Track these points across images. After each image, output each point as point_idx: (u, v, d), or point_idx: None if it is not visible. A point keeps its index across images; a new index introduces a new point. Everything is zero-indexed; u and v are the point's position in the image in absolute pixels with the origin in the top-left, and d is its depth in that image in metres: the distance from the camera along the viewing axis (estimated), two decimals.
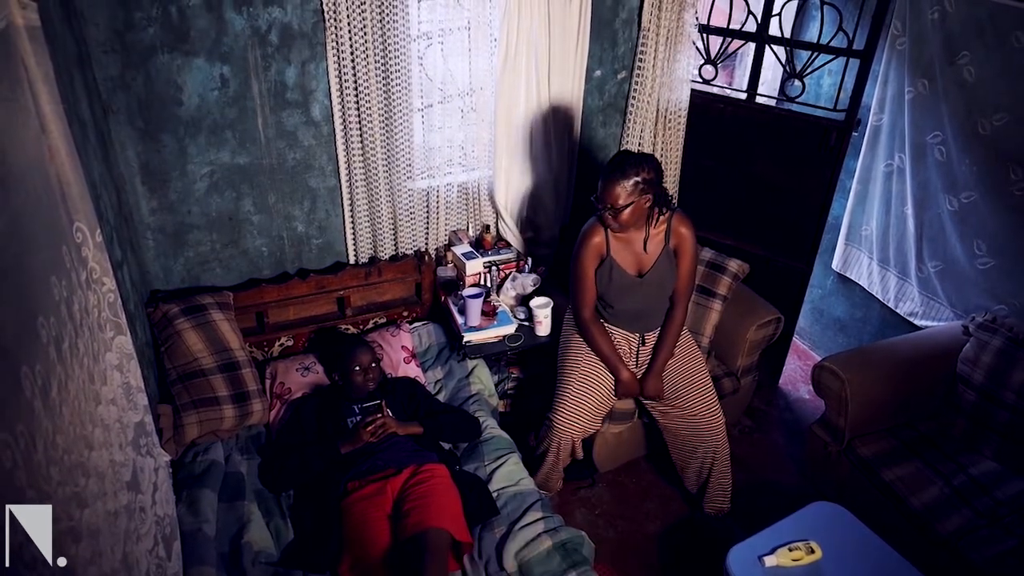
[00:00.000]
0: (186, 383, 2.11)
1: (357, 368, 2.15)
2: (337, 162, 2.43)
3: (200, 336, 2.16)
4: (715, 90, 2.92)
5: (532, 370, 2.71)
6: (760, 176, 2.92)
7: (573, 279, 2.16)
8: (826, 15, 2.56)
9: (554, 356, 2.39)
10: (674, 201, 2.50)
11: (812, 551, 1.83)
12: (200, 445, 2.10)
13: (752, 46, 2.80)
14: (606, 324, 2.25)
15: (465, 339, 2.46)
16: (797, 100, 2.72)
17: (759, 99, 2.90)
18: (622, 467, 2.63)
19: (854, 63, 2.53)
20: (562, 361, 2.30)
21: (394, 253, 2.68)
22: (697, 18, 2.69)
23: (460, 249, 2.70)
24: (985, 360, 2.24)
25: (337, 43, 2.21)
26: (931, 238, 2.60)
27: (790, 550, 1.83)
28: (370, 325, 2.67)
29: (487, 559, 1.84)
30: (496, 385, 2.54)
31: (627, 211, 1.96)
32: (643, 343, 2.27)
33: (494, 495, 2.01)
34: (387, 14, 2.22)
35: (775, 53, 2.76)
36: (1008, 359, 2.19)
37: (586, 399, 2.19)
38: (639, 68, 2.73)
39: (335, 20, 2.17)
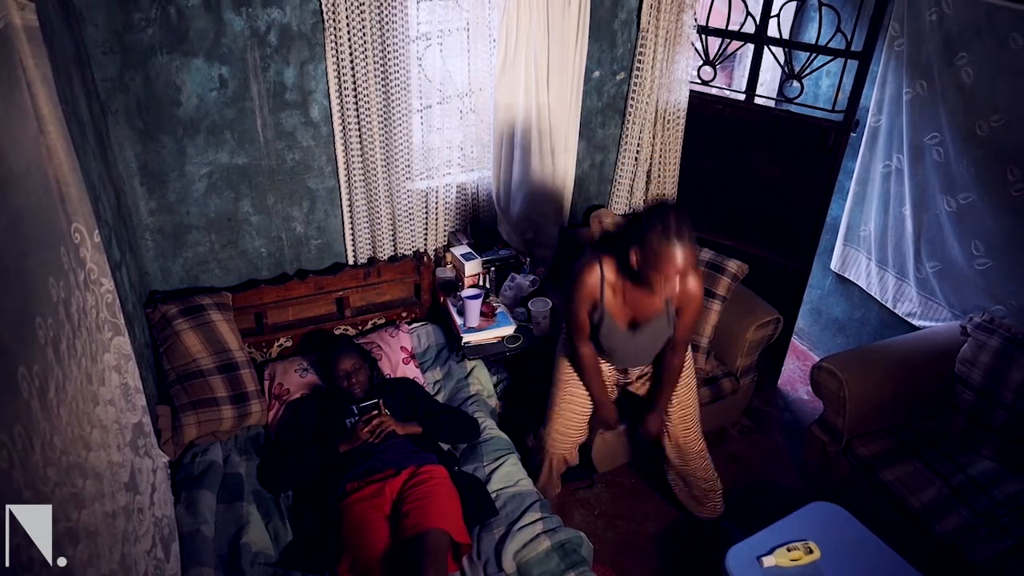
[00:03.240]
0: (185, 384, 2.11)
1: (339, 375, 2.15)
2: (336, 163, 2.43)
3: (199, 337, 2.16)
4: (714, 91, 2.92)
5: (530, 370, 2.70)
6: (759, 177, 2.93)
7: (567, 314, 2.01)
8: (824, 16, 2.56)
9: (552, 356, 2.37)
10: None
11: (811, 551, 1.83)
12: (199, 446, 2.10)
13: (751, 47, 2.80)
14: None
15: (464, 340, 2.46)
16: (795, 101, 2.72)
17: (758, 100, 2.91)
18: (621, 468, 2.63)
19: (852, 64, 2.53)
20: (555, 375, 2.21)
21: (393, 254, 2.68)
22: (696, 19, 2.69)
23: (459, 250, 2.70)
24: (983, 360, 2.24)
25: (336, 44, 2.21)
26: (929, 239, 2.61)
27: (788, 550, 1.83)
28: (369, 326, 2.66)
29: (486, 560, 1.84)
30: (495, 386, 2.54)
31: None
32: (625, 373, 2.19)
33: (493, 496, 2.01)
34: (386, 15, 2.22)
35: (773, 54, 2.76)
36: (1006, 359, 2.19)
37: (575, 418, 2.18)
38: (638, 69, 2.74)
39: (334, 21, 2.17)
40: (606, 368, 2.16)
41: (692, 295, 1.88)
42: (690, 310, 1.92)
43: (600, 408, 2.14)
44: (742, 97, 2.94)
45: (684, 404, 2.16)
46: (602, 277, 1.87)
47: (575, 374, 2.16)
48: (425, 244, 2.76)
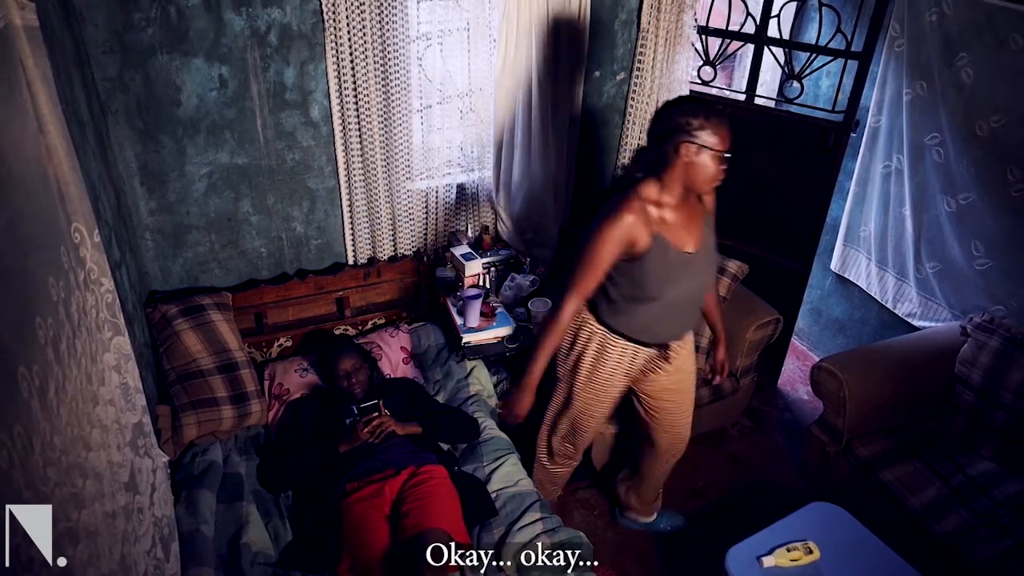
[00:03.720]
0: (185, 384, 2.11)
1: (339, 375, 2.15)
2: (336, 163, 2.43)
3: (199, 337, 2.16)
4: (714, 91, 2.92)
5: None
6: (759, 177, 2.92)
7: (585, 262, 1.71)
8: (824, 16, 2.56)
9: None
10: None
11: (810, 551, 1.83)
12: (199, 446, 2.10)
13: (751, 47, 2.80)
14: (621, 339, 1.86)
15: (464, 340, 2.46)
16: (796, 101, 2.72)
17: (758, 100, 2.91)
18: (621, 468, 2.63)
19: (852, 64, 2.53)
20: (574, 375, 1.96)
21: (393, 254, 2.68)
22: (696, 19, 2.69)
23: (459, 250, 2.70)
24: (983, 360, 2.24)
25: (336, 44, 2.21)
26: (929, 239, 2.61)
27: (788, 550, 1.83)
28: (369, 326, 2.66)
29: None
30: (495, 386, 2.54)
31: None
32: (666, 358, 1.92)
33: (493, 496, 2.01)
34: (386, 15, 2.22)
35: (774, 55, 2.76)
36: (1006, 359, 2.19)
37: (600, 418, 2.05)
38: (638, 69, 2.74)
39: (334, 21, 2.17)
40: (635, 357, 1.88)
41: (710, 203, 1.84)
42: (711, 221, 1.85)
43: (523, 392, 1.83)
44: (742, 97, 2.93)
45: (689, 390, 2.06)
46: (645, 212, 1.68)
47: (597, 368, 1.91)
48: (425, 244, 2.76)
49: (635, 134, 2.85)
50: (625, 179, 1.78)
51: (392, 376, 2.42)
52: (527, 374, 1.83)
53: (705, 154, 1.64)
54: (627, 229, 1.67)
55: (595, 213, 1.75)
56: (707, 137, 1.63)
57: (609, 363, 1.90)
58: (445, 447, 2.21)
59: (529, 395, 1.85)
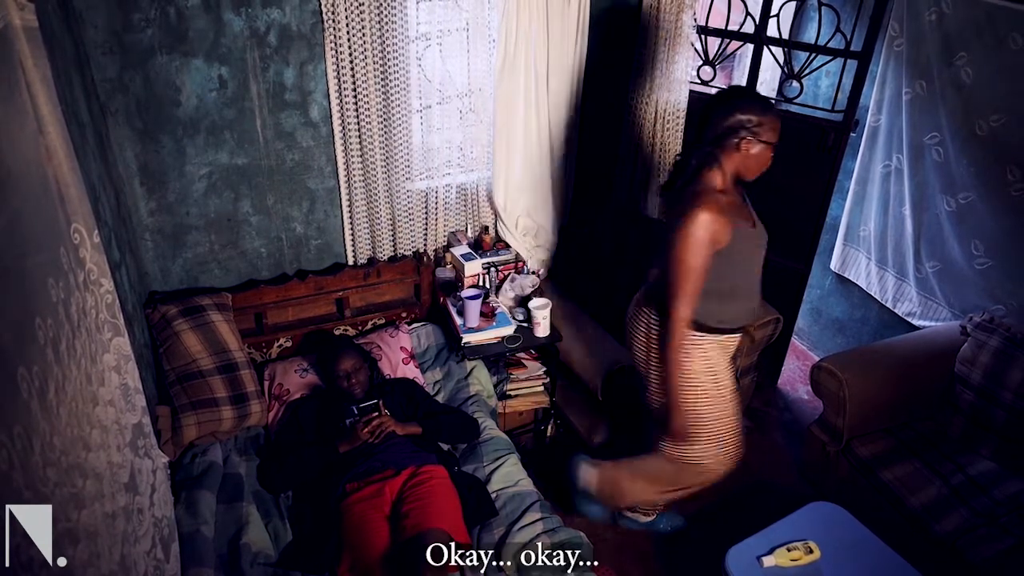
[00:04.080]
0: (184, 384, 2.11)
1: (339, 375, 2.15)
2: (336, 163, 2.43)
3: (198, 337, 2.16)
4: (713, 91, 2.91)
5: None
6: (758, 177, 2.92)
7: (681, 270, 1.74)
8: (824, 16, 2.56)
9: (559, 361, 2.29)
10: None
11: (811, 551, 1.83)
12: (198, 446, 2.10)
13: (750, 47, 2.80)
14: (717, 336, 1.89)
15: (464, 340, 2.46)
16: (795, 101, 2.72)
17: None
18: None
19: (852, 64, 2.53)
20: (697, 392, 1.91)
21: (393, 254, 2.68)
22: (695, 19, 2.69)
23: (459, 250, 2.70)
24: (983, 360, 2.24)
25: (336, 44, 2.21)
26: (929, 239, 2.61)
27: (788, 550, 1.83)
28: (369, 326, 2.66)
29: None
30: (495, 386, 2.54)
31: None
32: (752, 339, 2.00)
33: (493, 496, 2.01)
34: (386, 15, 2.22)
35: (773, 54, 2.76)
36: (1005, 359, 2.19)
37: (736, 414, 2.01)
38: (637, 69, 2.74)
39: (334, 21, 2.17)
40: (730, 349, 1.94)
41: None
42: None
43: (676, 408, 1.87)
44: None
45: None
46: (718, 203, 1.74)
47: (720, 382, 1.93)
48: (425, 244, 2.76)
49: (635, 134, 2.85)
50: (679, 171, 1.85)
51: (392, 376, 2.42)
52: (672, 392, 1.87)
53: (761, 147, 1.78)
54: (709, 225, 1.72)
55: (670, 211, 1.83)
56: (765, 132, 1.76)
57: (715, 362, 1.93)
58: (445, 447, 2.21)
59: (684, 412, 1.89)
